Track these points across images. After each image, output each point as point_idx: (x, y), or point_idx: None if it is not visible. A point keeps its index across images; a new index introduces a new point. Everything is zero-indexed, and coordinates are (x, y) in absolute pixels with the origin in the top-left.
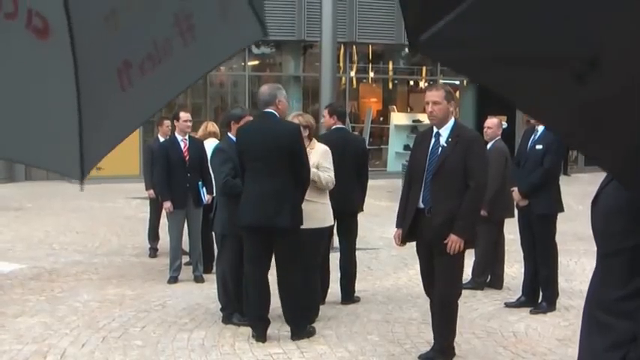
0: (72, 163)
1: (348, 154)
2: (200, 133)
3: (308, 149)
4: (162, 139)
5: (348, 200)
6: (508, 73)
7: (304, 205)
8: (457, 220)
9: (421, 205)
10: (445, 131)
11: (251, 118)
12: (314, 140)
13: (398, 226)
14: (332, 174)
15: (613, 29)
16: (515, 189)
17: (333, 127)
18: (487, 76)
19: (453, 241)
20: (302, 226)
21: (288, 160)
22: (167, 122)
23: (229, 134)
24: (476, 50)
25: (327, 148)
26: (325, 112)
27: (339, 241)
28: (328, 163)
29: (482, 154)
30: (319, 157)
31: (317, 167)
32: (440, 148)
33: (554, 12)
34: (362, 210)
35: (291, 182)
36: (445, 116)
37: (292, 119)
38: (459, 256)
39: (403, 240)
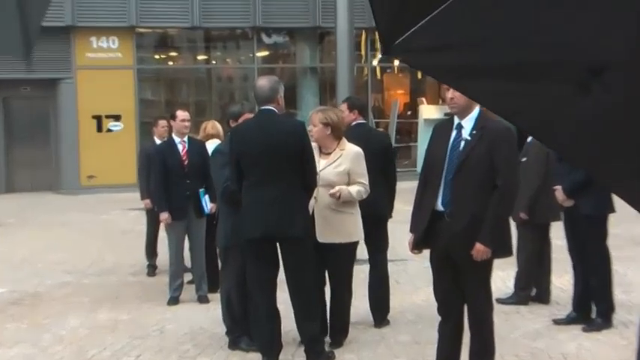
0: (12, 38)
1: (372, 153)
2: (200, 134)
3: (337, 151)
4: (158, 142)
5: (374, 205)
6: (496, 85)
7: (328, 215)
8: (483, 226)
9: (440, 208)
10: (468, 122)
11: (250, 116)
12: (343, 140)
13: (411, 230)
14: (366, 181)
15: (618, 33)
16: (559, 188)
17: (354, 122)
18: (473, 87)
19: (479, 251)
20: (325, 241)
21: (293, 162)
22: (163, 122)
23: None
24: (457, 57)
25: (360, 151)
26: (344, 107)
27: (369, 252)
28: (362, 168)
29: (512, 148)
30: (350, 162)
31: (348, 174)
32: (462, 142)
33: (546, 17)
34: (391, 216)
35: (298, 186)
36: (468, 104)
37: (313, 116)
38: (488, 267)
39: (417, 246)
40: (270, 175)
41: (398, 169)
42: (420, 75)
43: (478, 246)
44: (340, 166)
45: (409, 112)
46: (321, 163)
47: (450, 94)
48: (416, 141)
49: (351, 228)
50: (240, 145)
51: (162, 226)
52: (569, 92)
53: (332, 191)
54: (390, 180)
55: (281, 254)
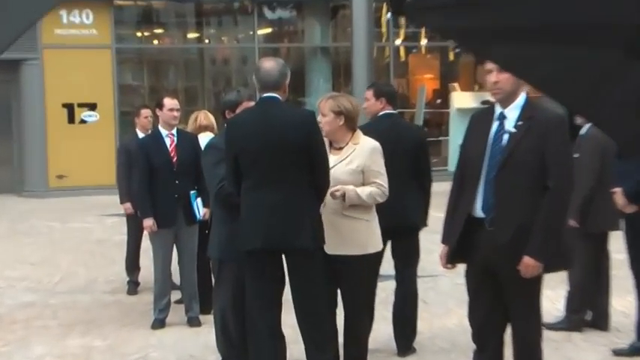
0: None
1: (404, 149)
2: (190, 126)
3: (350, 145)
4: (141, 135)
5: (405, 213)
6: (529, 49)
7: (337, 222)
8: (532, 236)
9: (479, 214)
10: (513, 111)
11: (252, 104)
12: (358, 133)
13: (444, 241)
14: (384, 182)
15: None
16: (619, 190)
17: (381, 113)
18: (501, 52)
19: (528, 266)
20: (334, 252)
21: (302, 160)
22: (146, 112)
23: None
24: (483, 16)
25: (377, 145)
26: (369, 94)
27: (396, 267)
28: (379, 165)
29: (566, 142)
30: (365, 158)
31: (362, 173)
32: (506, 135)
33: None
34: (425, 225)
35: (307, 187)
36: (514, 89)
37: (323, 103)
38: (537, 285)
39: (451, 260)
40: (274, 175)
41: None
42: (451, 56)
43: (526, 260)
44: (353, 162)
45: (439, 101)
46: (331, 159)
47: (494, 77)
48: (447, 135)
49: (364, 237)
50: (239, 140)
51: (145, 235)
52: (616, 58)
53: (332, 190)
54: (424, 182)
55: (287, 269)
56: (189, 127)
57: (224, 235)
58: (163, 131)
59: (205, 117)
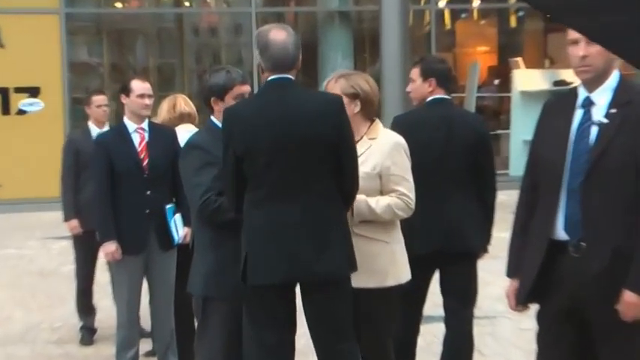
0: None
1: (458, 148)
2: (163, 115)
3: (365, 140)
4: (95, 131)
5: (457, 232)
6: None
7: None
8: (634, 265)
9: (560, 236)
10: (603, 95)
11: (246, 89)
12: (376, 124)
13: (511, 274)
14: (410, 190)
15: None
16: None
17: (430, 98)
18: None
19: (630, 305)
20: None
21: (329, 160)
22: (99, 99)
23: (212, 118)
24: None
25: (401, 140)
26: (415, 73)
27: (445, 306)
28: (402, 168)
29: None
30: (385, 156)
31: (379, 177)
32: (594, 128)
33: None
34: (486, 250)
35: (335, 195)
36: (606, 67)
37: (331, 84)
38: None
39: (523, 299)
40: (294, 183)
41: None
42: (513, 21)
43: (628, 297)
44: (368, 163)
45: (496, 81)
46: None
47: (582, 49)
48: (507, 127)
49: (382, 265)
50: (244, 137)
51: (102, 264)
52: None
53: None
54: (486, 192)
55: (309, 305)
56: (162, 118)
57: (210, 264)
58: (130, 124)
59: (185, 103)
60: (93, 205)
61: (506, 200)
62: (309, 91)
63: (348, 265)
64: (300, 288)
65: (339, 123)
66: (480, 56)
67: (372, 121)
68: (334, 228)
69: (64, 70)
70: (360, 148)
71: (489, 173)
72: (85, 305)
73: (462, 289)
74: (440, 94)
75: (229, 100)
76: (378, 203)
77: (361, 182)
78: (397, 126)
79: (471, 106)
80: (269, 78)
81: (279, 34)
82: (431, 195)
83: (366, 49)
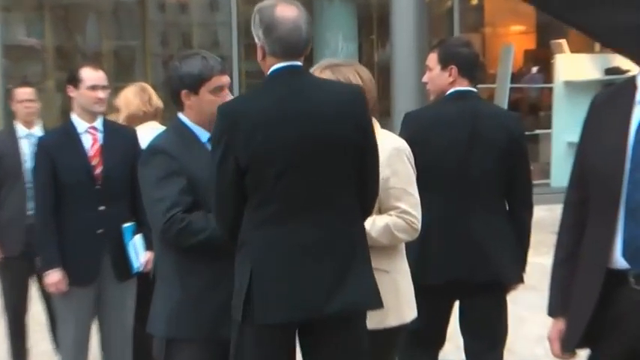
0: None
1: (485, 152)
2: (133, 109)
3: None
4: (24, 131)
5: (482, 257)
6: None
7: None
8: None
9: (618, 263)
10: None
11: (226, 80)
12: (373, 123)
13: (555, 312)
14: (413, 207)
15: None
16: None
17: (451, 90)
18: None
19: None
20: None
21: (352, 167)
22: (23, 92)
23: (180, 116)
24: None
25: (402, 145)
26: (432, 60)
27: (468, 349)
28: (404, 179)
29: None
30: (382, 166)
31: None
32: None
33: None
34: (520, 280)
35: (357, 210)
36: None
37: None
38: None
39: (572, 344)
40: (312, 197)
41: None
42: None
43: None
44: None
45: (534, 69)
46: None
47: None
48: (548, 126)
49: (383, 300)
50: (250, 141)
51: (37, 298)
52: None
53: None
54: (519, 208)
55: (318, 348)
56: (132, 112)
57: (175, 297)
58: (80, 123)
59: (148, 95)
60: (35, 224)
61: (547, 217)
62: (325, 81)
63: (376, 299)
64: (308, 327)
65: (365, 121)
66: (514, 38)
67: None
68: (359, 252)
69: None
70: None
71: (524, 184)
72: (16, 349)
73: (488, 328)
74: (463, 86)
75: (205, 94)
76: (374, 225)
77: None
78: (409, 124)
79: (503, 99)
80: (276, 66)
81: (289, 11)
82: (450, 210)
83: (373, 30)
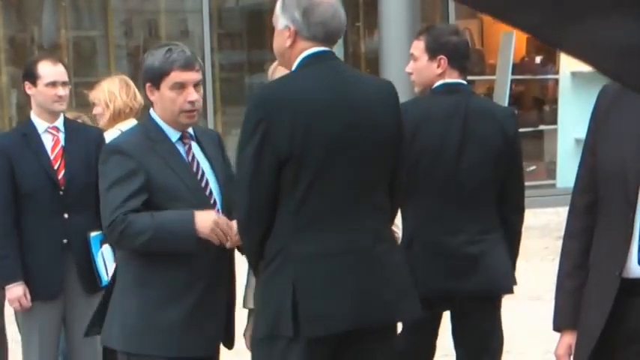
0: None
1: (475, 153)
2: (119, 105)
3: None
4: None
5: (473, 266)
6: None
7: None
8: None
9: (635, 272)
10: None
11: (189, 77)
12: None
13: (562, 325)
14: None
15: None
16: None
17: (439, 83)
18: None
19: None
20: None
21: (390, 164)
22: None
23: (151, 112)
24: None
25: None
26: (417, 48)
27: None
28: None
29: None
30: None
31: None
32: None
33: None
34: (511, 288)
35: (388, 213)
36: None
37: (276, 70)
38: None
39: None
40: (354, 196)
41: None
42: None
43: None
44: None
45: (538, 58)
46: None
47: None
48: (553, 121)
49: None
50: (293, 132)
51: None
52: None
53: None
54: (510, 213)
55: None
56: (116, 107)
57: (132, 310)
58: (40, 123)
59: (132, 90)
60: None
61: (553, 221)
62: (358, 71)
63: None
64: (345, 338)
65: (400, 114)
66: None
67: None
68: (397, 255)
69: None
70: None
71: (517, 188)
72: None
73: (481, 341)
74: (453, 78)
75: (165, 90)
76: None
77: None
78: None
79: (503, 92)
80: (311, 50)
81: None
82: (437, 216)
83: (359, 17)
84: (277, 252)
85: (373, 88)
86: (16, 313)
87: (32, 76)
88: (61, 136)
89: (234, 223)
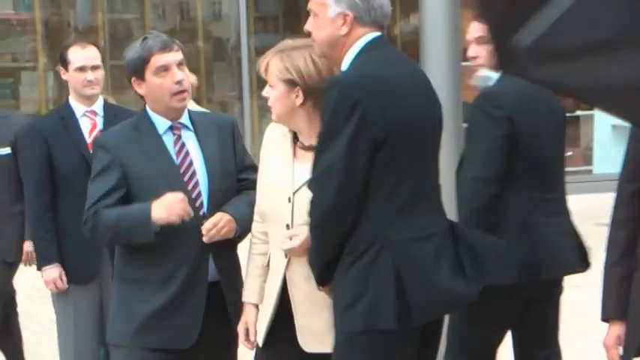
0: None
1: (557, 131)
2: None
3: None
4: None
5: (535, 257)
6: None
7: (314, 294)
8: None
9: None
10: None
11: (169, 58)
12: None
13: (609, 316)
14: None
15: None
16: None
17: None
18: None
19: None
20: (314, 350)
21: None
22: None
23: (147, 108)
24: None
25: None
26: (474, 33)
27: (519, 349)
28: None
29: None
30: None
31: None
32: None
33: None
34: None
35: None
36: None
37: (266, 62)
38: None
39: (630, 351)
40: (433, 180)
41: None
42: None
43: None
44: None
45: None
46: (295, 171)
47: None
48: (590, 107)
49: None
50: (388, 113)
51: (30, 298)
52: None
53: (287, 234)
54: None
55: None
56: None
57: (117, 298)
58: (78, 107)
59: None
60: (29, 218)
61: (590, 207)
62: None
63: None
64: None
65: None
66: None
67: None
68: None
69: None
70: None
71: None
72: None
73: (541, 330)
74: None
75: (150, 78)
76: None
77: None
78: (503, 101)
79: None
80: (370, 36)
81: None
82: (529, 203)
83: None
84: (372, 241)
85: (423, 72)
86: (52, 295)
87: (64, 61)
88: (99, 120)
89: (207, 223)
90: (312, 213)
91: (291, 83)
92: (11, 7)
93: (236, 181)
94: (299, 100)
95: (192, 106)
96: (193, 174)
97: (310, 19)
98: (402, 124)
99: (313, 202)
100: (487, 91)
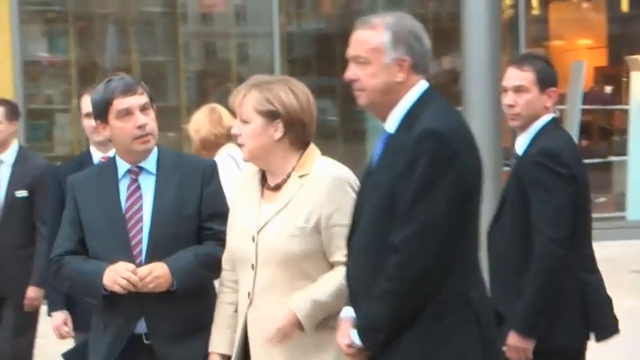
0: None
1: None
2: (202, 132)
3: (293, 179)
4: None
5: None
6: None
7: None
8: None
9: None
10: None
11: (132, 102)
12: (310, 152)
13: None
14: None
15: None
16: None
17: (550, 116)
18: None
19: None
20: None
21: None
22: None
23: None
24: None
25: (343, 174)
26: (527, 79)
27: None
28: (348, 216)
29: None
30: (323, 199)
31: (318, 233)
32: None
33: None
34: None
35: None
36: None
37: (239, 98)
38: None
39: None
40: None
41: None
42: (626, 4)
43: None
44: (299, 212)
45: (607, 89)
46: (261, 211)
47: None
48: (622, 152)
49: None
50: (475, 165)
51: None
52: None
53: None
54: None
55: None
56: (201, 135)
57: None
58: (95, 153)
59: (217, 115)
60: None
61: (623, 254)
62: None
63: None
64: None
65: None
66: (582, 53)
67: (306, 146)
68: None
69: (17, 72)
70: (287, 191)
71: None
72: None
73: None
74: (551, 114)
75: (113, 122)
76: (325, 289)
77: (293, 245)
78: (568, 158)
79: (573, 122)
80: (425, 84)
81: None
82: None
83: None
84: (457, 299)
85: None
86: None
87: (79, 109)
88: None
89: (140, 270)
90: (397, 275)
91: (270, 115)
92: (46, 50)
93: (197, 227)
94: (278, 134)
95: (232, 150)
96: (139, 220)
97: (353, 67)
98: (480, 177)
99: (401, 264)
100: (546, 147)
